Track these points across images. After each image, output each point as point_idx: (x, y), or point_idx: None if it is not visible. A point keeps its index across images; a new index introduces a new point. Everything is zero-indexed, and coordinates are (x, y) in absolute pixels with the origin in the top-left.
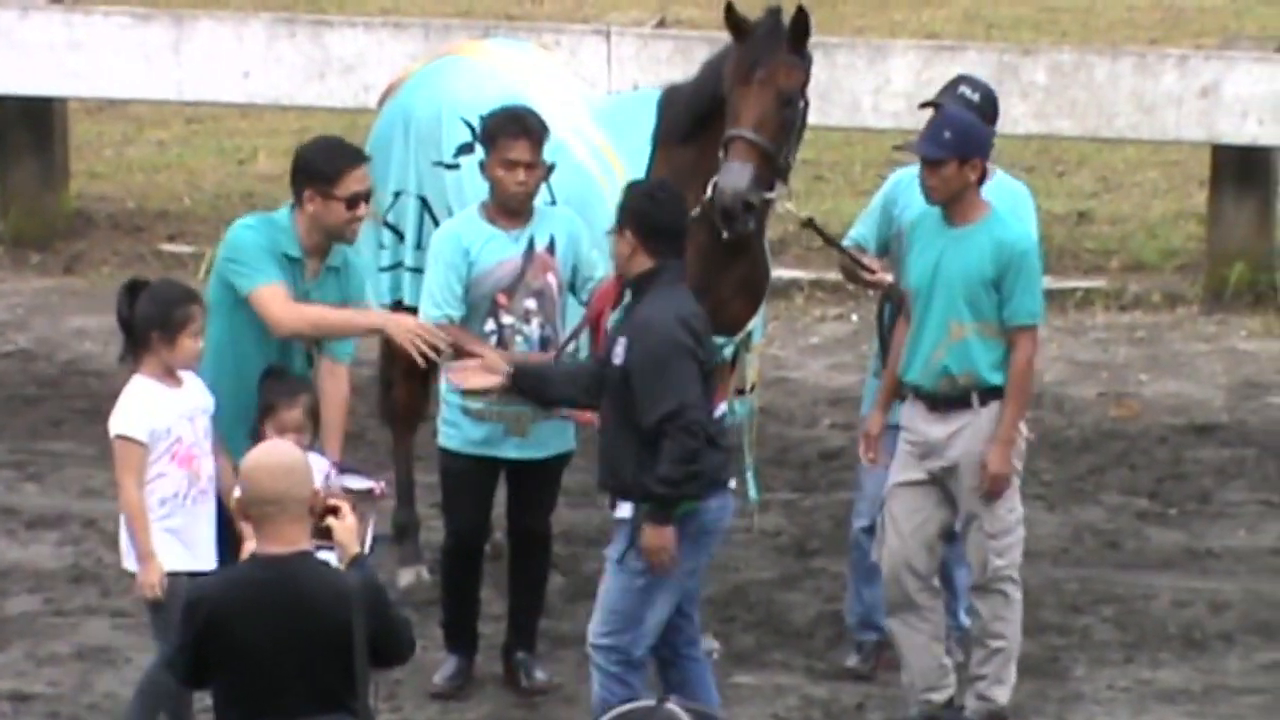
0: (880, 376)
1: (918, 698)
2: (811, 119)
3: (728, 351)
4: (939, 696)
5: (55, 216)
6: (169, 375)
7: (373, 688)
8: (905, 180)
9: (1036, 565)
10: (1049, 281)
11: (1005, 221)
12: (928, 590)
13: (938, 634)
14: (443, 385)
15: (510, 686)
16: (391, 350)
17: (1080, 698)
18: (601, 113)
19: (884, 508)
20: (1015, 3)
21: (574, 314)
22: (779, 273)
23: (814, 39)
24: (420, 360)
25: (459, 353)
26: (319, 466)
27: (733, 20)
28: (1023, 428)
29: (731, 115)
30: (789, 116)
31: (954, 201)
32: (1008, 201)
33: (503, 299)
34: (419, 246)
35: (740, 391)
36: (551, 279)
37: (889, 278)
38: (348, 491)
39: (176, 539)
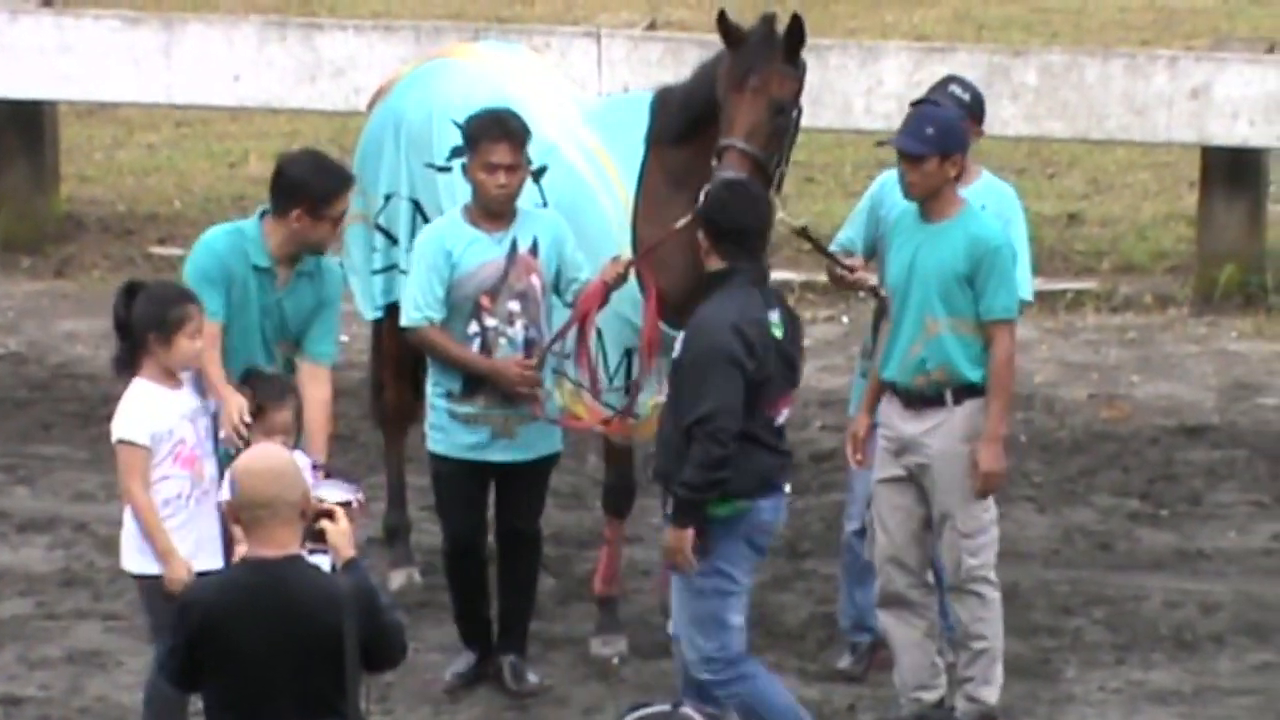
0: (868, 377)
1: (909, 696)
2: (803, 120)
3: None
4: (930, 695)
5: (45, 220)
6: (168, 377)
7: (364, 690)
8: (891, 181)
9: (1027, 567)
10: (1040, 283)
11: (979, 217)
12: (920, 586)
13: (930, 631)
14: (430, 389)
15: (502, 688)
16: (382, 353)
17: (1072, 699)
18: (593, 115)
19: (869, 506)
20: (1006, 4)
21: (559, 315)
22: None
23: (806, 41)
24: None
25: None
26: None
27: (725, 27)
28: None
29: (725, 124)
30: (782, 125)
31: (932, 198)
32: (994, 202)
33: (486, 301)
34: (411, 249)
35: None
36: (535, 280)
37: (871, 279)
38: (321, 503)
39: (181, 540)
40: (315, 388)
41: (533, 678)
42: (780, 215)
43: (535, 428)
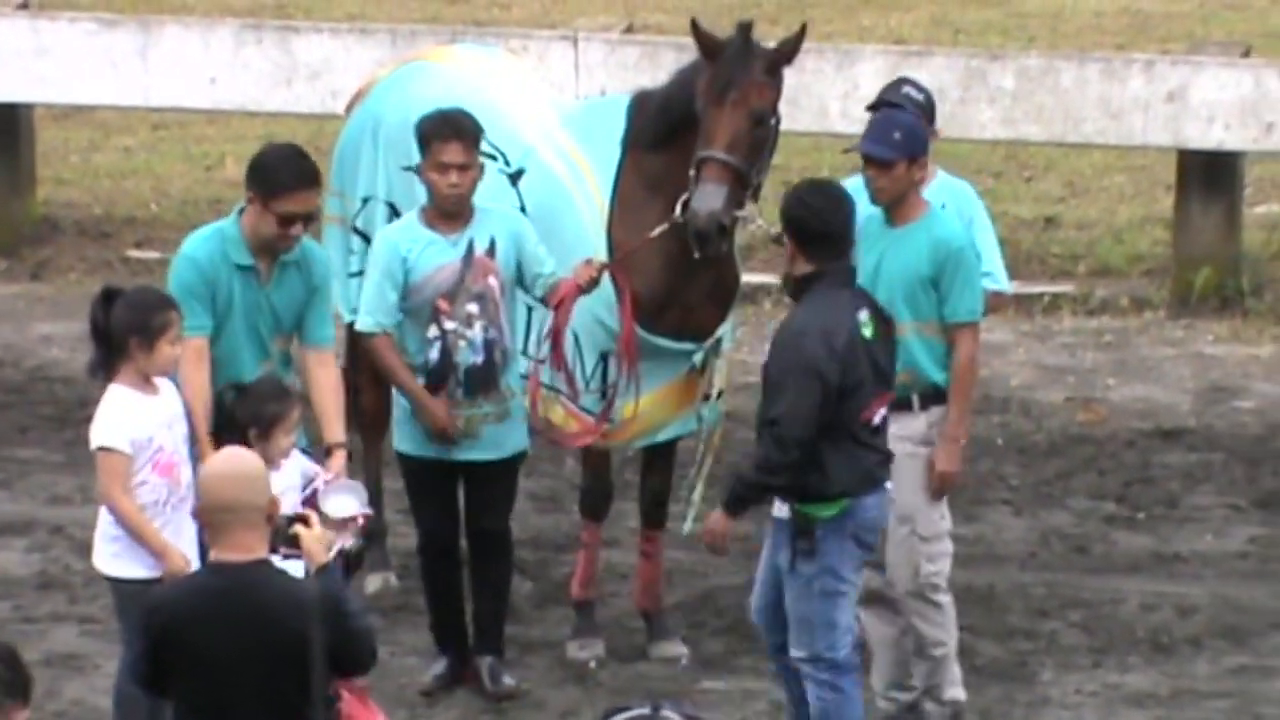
0: None
1: (885, 695)
2: (780, 124)
3: (697, 358)
4: (905, 696)
5: (22, 223)
6: (146, 383)
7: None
8: (852, 188)
9: (1004, 569)
10: (1016, 286)
11: (942, 220)
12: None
13: (907, 629)
14: (394, 389)
15: (481, 691)
16: (358, 357)
17: (1048, 702)
18: (571, 118)
19: None
20: (983, 8)
21: (520, 316)
22: (747, 278)
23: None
24: None
25: None
26: (305, 472)
27: (701, 38)
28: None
29: (705, 135)
30: (760, 136)
31: (897, 202)
32: (953, 200)
33: (444, 304)
34: None
35: (707, 397)
36: (493, 281)
37: None
38: (326, 519)
39: None
40: (323, 372)
41: (509, 680)
42: (759, 223)
43: (500, 427)
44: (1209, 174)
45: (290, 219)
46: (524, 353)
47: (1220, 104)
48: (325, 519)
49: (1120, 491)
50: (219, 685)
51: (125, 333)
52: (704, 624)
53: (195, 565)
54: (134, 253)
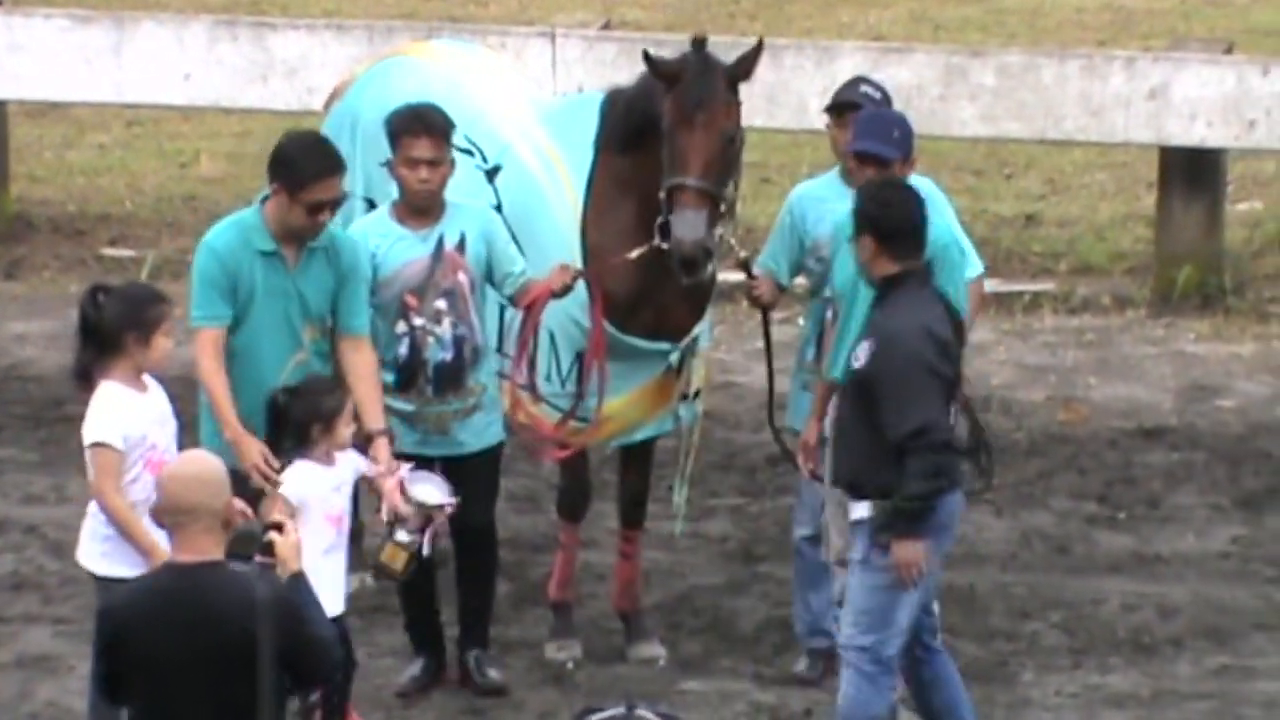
0: (811, 389)
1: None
2: (759, 121)
3: (674, 357)
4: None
5: None
6: (137, 380)
7: (288, 704)
8: (805, 198)
9: (984, 570)
10: (997, 284)
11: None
12: None
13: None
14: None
15: (459, 692)
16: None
17: (1028, 703)
18: (548, 115)
19: (823, 508)
20: (963, 4)
21: (491, 312)
22: (724, 276)
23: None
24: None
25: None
26: (357, 468)
27: (657, 69)
28: None
29: (678, 161)
30: (731, 155)
31: None
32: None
33: (412, 300)
34: None
35: (685, 397)
36: (462, 278)
37: (765, 294)
38: (420, 506)
39: None
40: (359, 359)
41: (495, 673)
42: (730, 241)
43: (472, 422)
44: (1191, 171)
45: (318, 207)
46: (499, 350)
47: (1202, 101)
48: (418, 506)
49: (1102, 491)
50: (171, 688)
51: (121, 328)
52: (682, 625)
53: None
54: (108, 250)
